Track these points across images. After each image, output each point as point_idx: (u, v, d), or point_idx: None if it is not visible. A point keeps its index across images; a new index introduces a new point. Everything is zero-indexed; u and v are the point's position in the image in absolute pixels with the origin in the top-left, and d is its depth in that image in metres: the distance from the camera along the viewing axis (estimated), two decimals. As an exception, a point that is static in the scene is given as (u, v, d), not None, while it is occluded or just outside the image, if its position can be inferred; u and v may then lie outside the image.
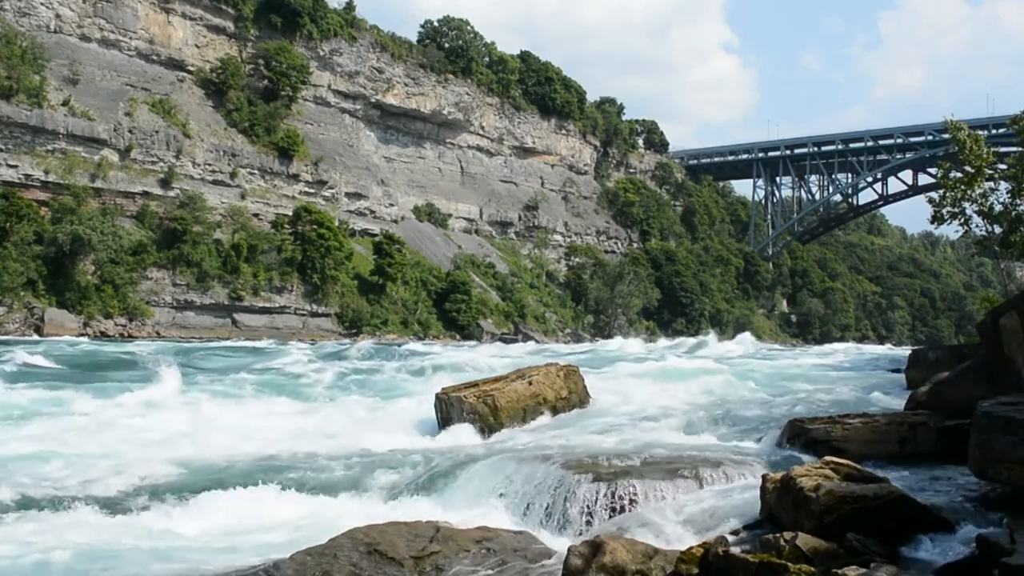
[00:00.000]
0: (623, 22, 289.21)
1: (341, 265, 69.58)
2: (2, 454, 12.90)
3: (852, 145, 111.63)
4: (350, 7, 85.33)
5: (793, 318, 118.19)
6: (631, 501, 9.05)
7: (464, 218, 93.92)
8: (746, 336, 62.57)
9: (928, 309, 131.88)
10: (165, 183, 63.72)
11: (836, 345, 71.20)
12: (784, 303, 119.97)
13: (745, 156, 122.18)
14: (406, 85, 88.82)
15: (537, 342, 71.03)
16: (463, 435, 14.82)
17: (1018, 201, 25.66)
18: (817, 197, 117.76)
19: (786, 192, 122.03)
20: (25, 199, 53.99)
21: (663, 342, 69.65)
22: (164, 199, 63.09)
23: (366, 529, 8.42)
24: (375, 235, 78.16)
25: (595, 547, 7.00)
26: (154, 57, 69.71)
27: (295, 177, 74.13)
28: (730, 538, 7.37)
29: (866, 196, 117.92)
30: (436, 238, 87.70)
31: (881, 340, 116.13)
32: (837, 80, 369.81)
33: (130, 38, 68.04)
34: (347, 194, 79.58)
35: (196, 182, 65.69)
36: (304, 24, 78.59)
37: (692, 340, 59.00)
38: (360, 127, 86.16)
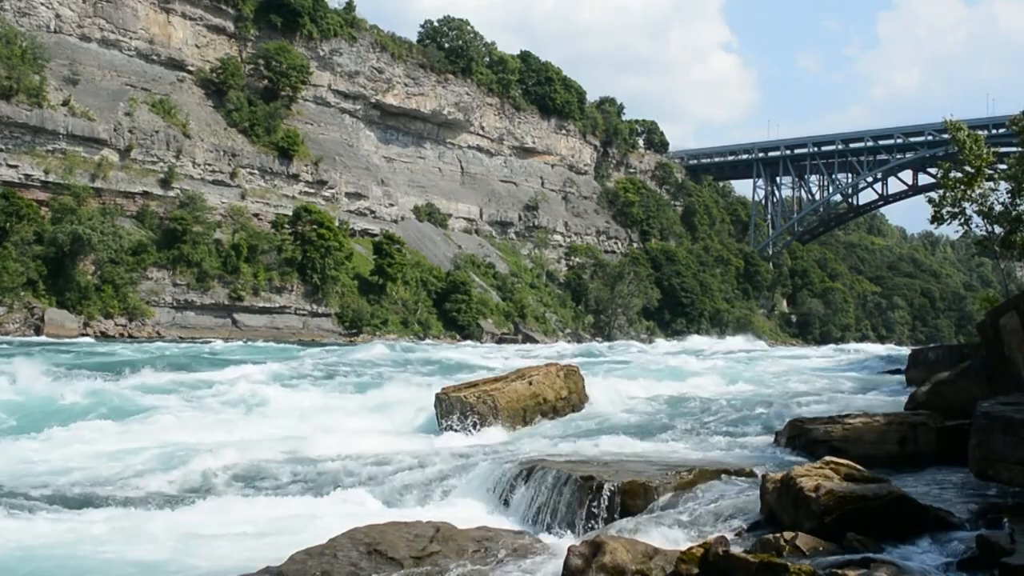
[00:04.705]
0: (622, 22, 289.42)
1: (341, 265, 69.53)
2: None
3: (852, 145, 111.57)
4: (350, 7, 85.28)
5: (793, 318, 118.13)
6: (631, 501, 9.04)
7: (464, 218, 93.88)
8: (694, 338, 69.62)
9: (928, 309, 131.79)
10: (165, 183, 63.69)
11: (819, 348, 72.44)
12: (784, 303, 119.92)
13: (745, 156, 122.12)
14: (406, 85, 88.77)
15: (538, 342, 71.31)
16: (463, 435, 14.82)
17: (1018, 201, 25.61)
18: (817, 197, 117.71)
19: (786, 192, 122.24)
20: (25, 199, 53.98)
21: (663, 343, 70.81)
22: (164, 199, 63.06)
23: (366, 529, 8.40)
24: (375, 235, 78.10)
25: (595, 547, 6.99)
26: (154, 57, 69.68)
27: (295, 177, 74.08)
28: (730, 538, 7.36)
29: (866, 196, 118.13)
30: (436, 238, 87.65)
31: (881, 340, 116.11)
32: (836, 80, 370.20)
33: (130, 38, 68.01)
34: (347, 194, 79.53)
35: (196, 182, 65.64)
36: (304, 24, 78.53)
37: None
38: (360, 127, 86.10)
